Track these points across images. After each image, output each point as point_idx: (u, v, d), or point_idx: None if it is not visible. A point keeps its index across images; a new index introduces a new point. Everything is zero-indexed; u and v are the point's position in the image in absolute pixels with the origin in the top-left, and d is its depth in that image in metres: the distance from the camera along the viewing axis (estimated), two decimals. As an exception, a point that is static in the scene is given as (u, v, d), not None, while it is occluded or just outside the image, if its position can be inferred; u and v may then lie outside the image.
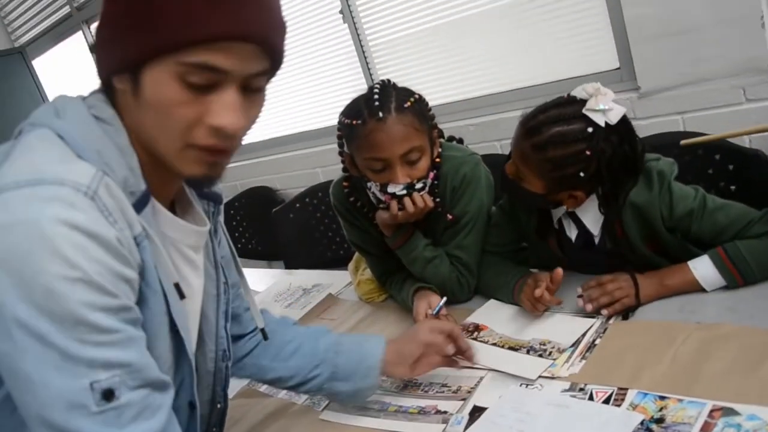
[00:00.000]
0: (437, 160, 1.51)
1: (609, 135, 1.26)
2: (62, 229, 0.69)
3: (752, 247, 1.26)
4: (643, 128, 2.01)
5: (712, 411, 0.98)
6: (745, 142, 1.76)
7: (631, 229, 1.36)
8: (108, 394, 0.73)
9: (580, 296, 1.36)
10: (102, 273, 0.72)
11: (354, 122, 1.43)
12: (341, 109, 1.52)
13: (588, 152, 1.26)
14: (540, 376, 1.21)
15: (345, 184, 1.62)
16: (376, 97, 1.41)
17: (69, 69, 4.27)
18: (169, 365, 0.90)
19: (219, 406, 1.12)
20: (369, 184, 1.47)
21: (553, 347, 1.29)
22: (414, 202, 1.45)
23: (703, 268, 1.29)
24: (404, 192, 1.44)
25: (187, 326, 0.93)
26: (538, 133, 1.29)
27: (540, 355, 1.27)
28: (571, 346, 1.27)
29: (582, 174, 1.27)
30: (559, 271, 1.35)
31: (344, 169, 1.60)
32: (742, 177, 1.70)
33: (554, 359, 1.24)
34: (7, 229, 0.68)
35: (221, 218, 1.08)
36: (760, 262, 1.25)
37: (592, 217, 1.40)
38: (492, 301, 1.55)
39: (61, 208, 0.70)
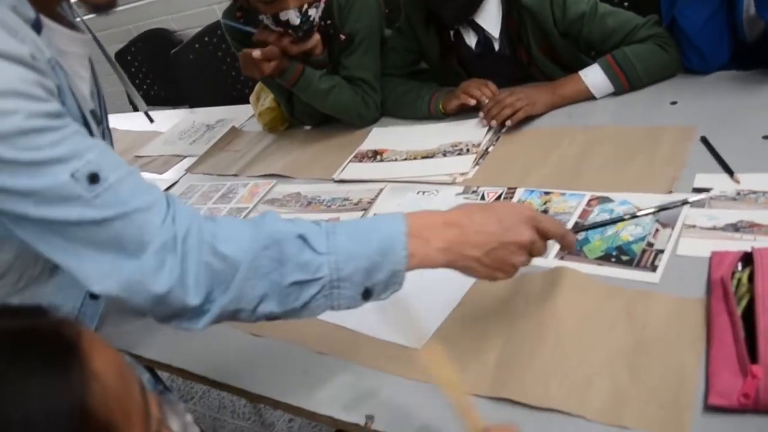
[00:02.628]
0: None
1: None
2: None
3: (637, 52, 1.32)
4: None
5: (589, 200, 1.07)
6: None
7: (526, 32, 1.40)
8: (93, 177, 0.70)
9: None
10: (26, 82, 0.68)
11: None
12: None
13: None
14: (436, 183, 1.26)
15: (239, 14, 1.52)
16: None
17: None
18: None
19: None
20: (261, 17, 1.40)
21: (466, 145, 1.33)
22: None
23: (593, 75, 1.35)
24: (300, 21, 1.37)
25: None
26: None
27: (458, 155, 1.31)
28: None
29: None
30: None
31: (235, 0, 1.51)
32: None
33: (474, 153, 1.29)
34: None
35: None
36: (645, 65, 1.32)
37: (491, 20, 1.41)
38: (375, 129, 1.57)
39: None
